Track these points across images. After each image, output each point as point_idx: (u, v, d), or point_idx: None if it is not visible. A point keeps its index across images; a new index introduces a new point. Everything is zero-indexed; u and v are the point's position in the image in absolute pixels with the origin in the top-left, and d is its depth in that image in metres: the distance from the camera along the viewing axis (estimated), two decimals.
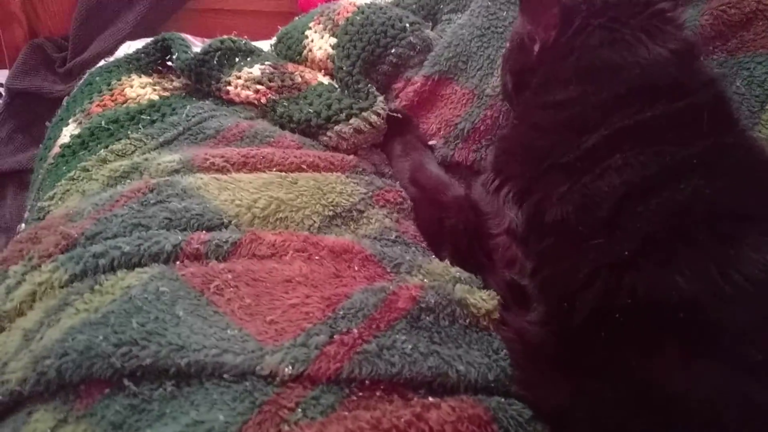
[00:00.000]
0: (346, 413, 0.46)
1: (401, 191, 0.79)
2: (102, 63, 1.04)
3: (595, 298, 0.49)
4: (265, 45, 1.09)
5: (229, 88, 0.92)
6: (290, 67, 0.95)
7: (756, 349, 0.43)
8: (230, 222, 0.65)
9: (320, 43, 0.98)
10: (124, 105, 0.89)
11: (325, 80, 0.94)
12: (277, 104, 0.89)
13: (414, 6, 1.04)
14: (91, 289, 0.54)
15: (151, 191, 0.67)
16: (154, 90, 0.93)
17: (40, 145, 0.94)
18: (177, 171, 0.73)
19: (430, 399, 0.48)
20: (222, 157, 0.75)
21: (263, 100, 0.90)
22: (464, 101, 0.86)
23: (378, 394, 0.48)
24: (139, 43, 1.14)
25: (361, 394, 0.48)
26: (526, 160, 0.64)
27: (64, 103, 0.96)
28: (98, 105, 0.89)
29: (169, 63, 0.99)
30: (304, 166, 0.77)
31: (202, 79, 0.93)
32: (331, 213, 0.71)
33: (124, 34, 1.53)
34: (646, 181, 0.53)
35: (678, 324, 0.45)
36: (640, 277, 0.48)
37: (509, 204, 0.62)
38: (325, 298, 0.55)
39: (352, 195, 0.74)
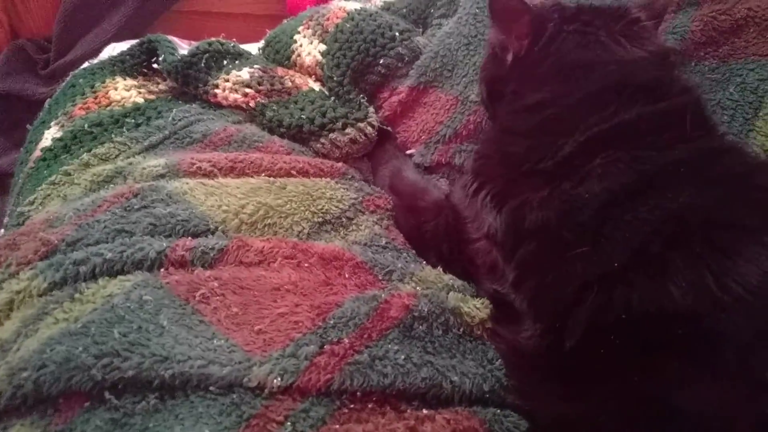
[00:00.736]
0: (337, 426, 0.45)
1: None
2: (86, 65, 1.02)
3: (589, 317, 0.47)
4: (253, 48, 1.08)
5: (216, 91, 0.91)
6: (280, 71, 0.94)
7: (763, 363, 0.42)
8: (217, 228, 0.64)
9: (309, 48, 0.97)
10: (109, 108, 0.87)
11: (317, 86, 0.93)
12: (266, 108, 0.88)
13: (404, 10, 1.03)
14: (71, 297, 0.53)
15: (135, 196, 0.65)
16: (140, 93, 0.91)
17: (21, 149, 0.92)
18: (162, 176, 0.71)
19: (424, 411, 0.48)
20: (209, 161, 0.73)
21: (252, 103, 0.89)
22: (447, 107, 0.86)
23: (370, 406, 0.47)
24: (124, 45, 1.13)
25: (352, 406, 0.47)
26: (503, 164, 0.63)
27: (47, 105, 0.94)
28: (81, 108, 0.87)
29: (155, 65, 0.98)
30: (293, 172, 0.76)
31: (189, 82, 0.92)
32: (320, 219, 0.70)
33: (109, 35, 1.51)
34: (628, 187, 0.51)
35: (677, 337, 0.44)
36: (633, 289, 0.46)
37: (487, 208, 0.61)
38: (315, 307, 0.54)
39: (341, 201, 0.73)
